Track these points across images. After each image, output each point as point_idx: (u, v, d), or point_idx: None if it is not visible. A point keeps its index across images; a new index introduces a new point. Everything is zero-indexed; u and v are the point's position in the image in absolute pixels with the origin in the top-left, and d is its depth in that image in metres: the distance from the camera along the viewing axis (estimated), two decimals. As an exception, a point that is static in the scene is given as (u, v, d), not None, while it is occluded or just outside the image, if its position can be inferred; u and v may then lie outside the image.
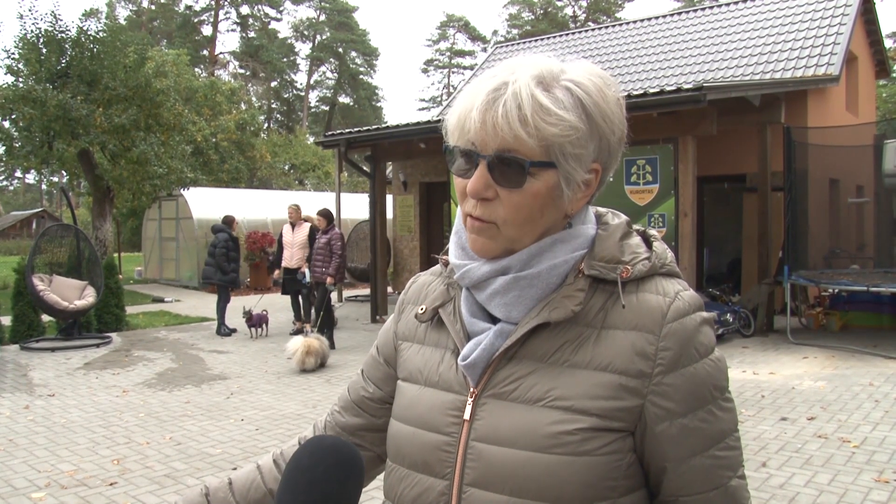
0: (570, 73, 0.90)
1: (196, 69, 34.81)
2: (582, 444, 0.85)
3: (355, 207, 18.11)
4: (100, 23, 14.36)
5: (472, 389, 0.93)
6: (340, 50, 51.70)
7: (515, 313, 0.92)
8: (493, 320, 0.95)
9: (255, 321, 10.02)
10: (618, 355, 0.88)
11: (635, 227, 0.99)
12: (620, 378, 0.87)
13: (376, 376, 1.11)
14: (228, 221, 10.53)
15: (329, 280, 8.80)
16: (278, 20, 52.74)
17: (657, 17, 16.13)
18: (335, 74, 53.32)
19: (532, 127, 0.85)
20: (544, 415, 0.87)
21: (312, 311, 9.44)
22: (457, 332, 0.97)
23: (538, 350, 0.91)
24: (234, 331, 10.37)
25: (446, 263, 1.05)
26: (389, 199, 14.19)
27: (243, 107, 29.23)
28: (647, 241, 0.97)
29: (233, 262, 10.25)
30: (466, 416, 0.92)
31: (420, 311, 1.02)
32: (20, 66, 13.33)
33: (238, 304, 11.09)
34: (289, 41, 51.93)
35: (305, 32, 51.79)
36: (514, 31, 48.40)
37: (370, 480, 1.13)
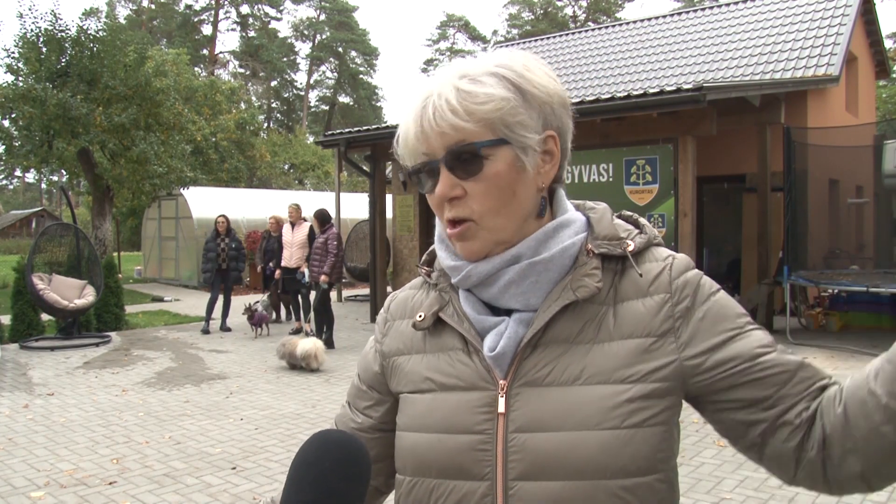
0: (491, 60, 0.93)
1: (196, 68, 34.81)
2: (630, 416, 0.86)
3: (355, 207, 18.11)
4: (100, 22, 14.37)
5: (501, 382, 0.91)
6: (340, 50, 51.69)
7: (534, 300, 0.92)
8: (500, 315, 0.95)
9: (257, 320, 10.05)
10: (640, 321, 0.91)
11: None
12: (647, 340, 0.90)
13: (362, 405, 1.08)
14: (215, 222, 10.64)
15: (324, 278, 8.78)
16: (278, 20, 52.81)
17: (657, 17, 16.13)
18: (335, 74, 53.32)
19: (462, 112, 0.88)
20: (587, 392, 0.88)
21: (312, 311, 9.43)
22: (467, 330, 0.95)
23: (562, 333, 0.91)
24: (228, 330, 10.42)
25: (429, 274, 1.04)
26: (389, 198, 14.18)
27: (243, 106, 29.24)
28: (629, 220, 1.02)
29: (209, 262, 10.32)
30: (501, 409, 0.90)
31: (419, 319, 1.00)
32: (20, 64, 13.33)
33: (238, 304, 11.09)
34: (289, 41, 51.94)
35: (305, 32, 51.79)
36: (514, 31, 48.40)
37: None
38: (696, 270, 0.95)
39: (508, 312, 0.94)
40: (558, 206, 0.99)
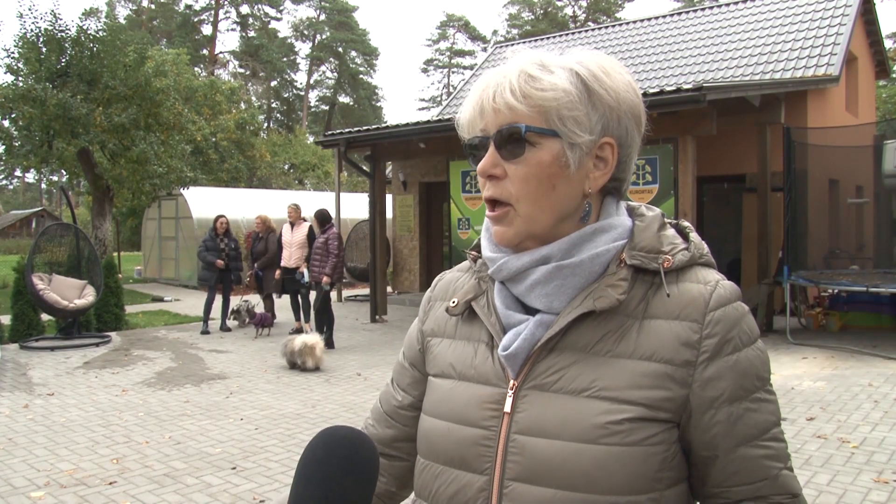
0: (574, 57, 0.93)
1: (196, 69, 34.81)
2: (629, 434, 0.85)
3: (355, 207, 18.11)
4: (100, 22, 14.37)
5: (512, 382, 0.92)
6: (340, 50, 51.68)
7: (557, 303, 0.91)
8: (529, 313, 0.94)
9: (258, 320, 10.05)
10: (662, 345, 0.88)
11: (668, 219, 0.99)
12: (665, 367, 0.87)
13: (404, 382, 1.10)
14: (215, 222, 10.65)
15: (325, 280, 8.78)
16: (278, 20, 52.79)
17: (657, 17, 16.13)
18: (335, 74, 53.31)
19: (520, 94, 0.88)
20: (590, 405, 0.87)
21: (312, 311, 9.43)
22: (492, 325, 0.96)
23: (580, 340, 0.90)
24: (228, 330, 10.43)
25: (475, 259, 1.05)
26: (389, 198, 14.19)
27: (243, 106, 29.23)
28: (681, 232, 0.98)
29: (212, 262, 10.36)
30: (507, 408, 0.91)
31: (452, 305, 1.02)
32: (20, 65, 13.33)
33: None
34: (289, 41, 51.94)
35: (305, 32, 51.78)
36: (514, 31, 48.39)
37: (409, 492, 1.11)
38: (739, 306, 0.91)
39: (537, 311, 0.94)
40: (604, 211, 0.96)
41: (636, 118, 0.95)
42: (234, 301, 10.94)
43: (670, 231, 0.96)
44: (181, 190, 16.36)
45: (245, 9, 49.49)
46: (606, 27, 17.70)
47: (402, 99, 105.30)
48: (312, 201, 16.31)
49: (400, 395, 1.09)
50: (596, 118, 0.91)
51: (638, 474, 0.85)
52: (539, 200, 0.90)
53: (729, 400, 0.87)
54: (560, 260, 0.91)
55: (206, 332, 10.36)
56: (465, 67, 52.84)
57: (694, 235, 0.97)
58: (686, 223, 1.00)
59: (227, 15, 49.25)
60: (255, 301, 10.74)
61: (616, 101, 0.92)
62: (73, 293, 9.45)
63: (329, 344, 8.97)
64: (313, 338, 7.73)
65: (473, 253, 1.06)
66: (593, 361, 0.89)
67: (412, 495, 1.05)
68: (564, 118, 0.88)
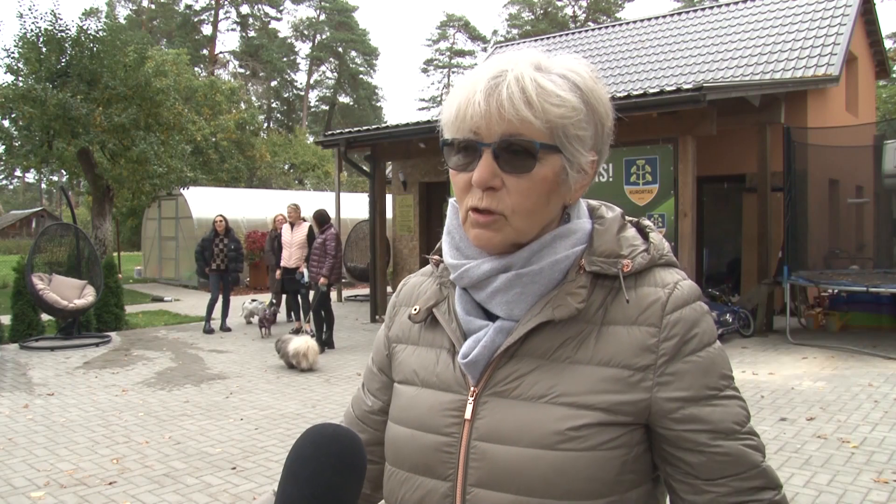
0: (562, 62, 0.91)
1: (196, 68, 34.80)
2: (588, 439, 0.85)
3: (355, 207, 18.11)
4: (100, 22, 14.37)
5: (472, 388, 0.92)
6: (340, 50, 51.68)
7: (517, 310, 0.91)
8: (490, 318, 0.94)
9: (269, 320, 10.06)
10: (620, 350, 0.88)
11: (628, 218, 0.98)
12: (623, 372, 0.87)
13: (374, 387, 1.10)
14: (213, 222, 10.63)
15: (322, 280, 8.77)
16: (278, 20, 52.78)
17: (657, 17, 16.13)
18: (335, 74, 53.32)
19: (538, 108, 0.84)
20: (549, 412, 0.87)
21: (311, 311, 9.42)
22: (453, 331, 0.96)
23: (539, 347, 0.90)
24: (228, 330, 10.43)
25: (437, 263, 1.04)
26: (389, 198, 14.19)
27: (243, 106, 29.21)
28: (642, 231, 0.97)
29: (203, 260, 10.36)
30: (467, 415, 0.91)
31: (413, 312, 1.01)
32: (20, 65, 13.33)
33: (237, 304, 11.09)
34: (289, 41, 51.93)
35: (305, 32, 51.79)
36: (514, 31, 48.38)
37: (382, 495, 1.12)
38: (698, 307, 0.90)
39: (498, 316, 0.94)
40: (573, 213, 0.96)
41: (610, 132, 0.94)
42: (235, 301, 10.94)
43: (630, 232, 0.95)
44: (181, 190, 16.36)
45: (245, 9, 49.51)
46: (606, 27, 17.69)
47: (402, 99, 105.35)
48: (312, 201, 16.30)
49: (370, 399, 1.10)
50: (591, 134, 0.90)
51: (597, 478, 0.85)
52: (533, 214, 0.89)
53: (696, 399, 0.87)
54: (521, 268, 0.90)
55: (209, 331, 10.33)
56: (465, 67, 52.81)
57: (654, 235, 0.96)
58: (647, 222, 0.98)
59: (227, 15, 49.28)
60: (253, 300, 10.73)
61: (606, 115, 0.91)
62: (73, 293, 9.45)
63: (329, 344, 8.97)
64: (304, 343, 7.68)
65: (436, 257, 1.04)
66: (553, 368, 0.89)
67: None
68: (570, 136, 0.87)
